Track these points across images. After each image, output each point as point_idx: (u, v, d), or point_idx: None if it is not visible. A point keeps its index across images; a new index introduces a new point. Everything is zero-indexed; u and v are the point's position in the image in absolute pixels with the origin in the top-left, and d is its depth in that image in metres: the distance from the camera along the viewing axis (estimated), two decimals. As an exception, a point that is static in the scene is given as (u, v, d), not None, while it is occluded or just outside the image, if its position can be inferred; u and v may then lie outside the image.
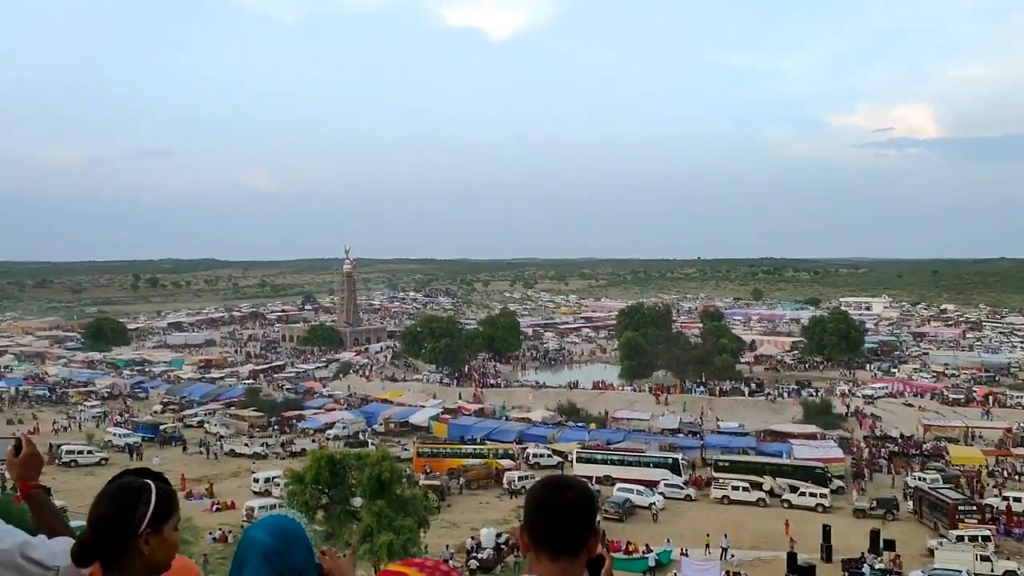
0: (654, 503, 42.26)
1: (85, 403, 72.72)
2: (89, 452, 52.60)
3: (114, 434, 58.74)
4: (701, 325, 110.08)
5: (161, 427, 61.86)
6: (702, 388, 78.19)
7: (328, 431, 60.84)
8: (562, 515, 2.14)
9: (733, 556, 35.20)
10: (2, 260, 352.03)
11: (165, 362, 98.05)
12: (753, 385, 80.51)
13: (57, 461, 48.77)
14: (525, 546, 2.18)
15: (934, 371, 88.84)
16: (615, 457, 50.67)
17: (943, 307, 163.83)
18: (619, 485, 44.75)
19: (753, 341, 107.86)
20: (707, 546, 36.16)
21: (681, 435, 60.24)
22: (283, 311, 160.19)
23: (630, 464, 48.99)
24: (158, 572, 2.21)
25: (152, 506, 2.16)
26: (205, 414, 68.13)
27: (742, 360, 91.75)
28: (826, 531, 36.53)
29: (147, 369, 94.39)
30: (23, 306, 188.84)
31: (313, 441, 56.84)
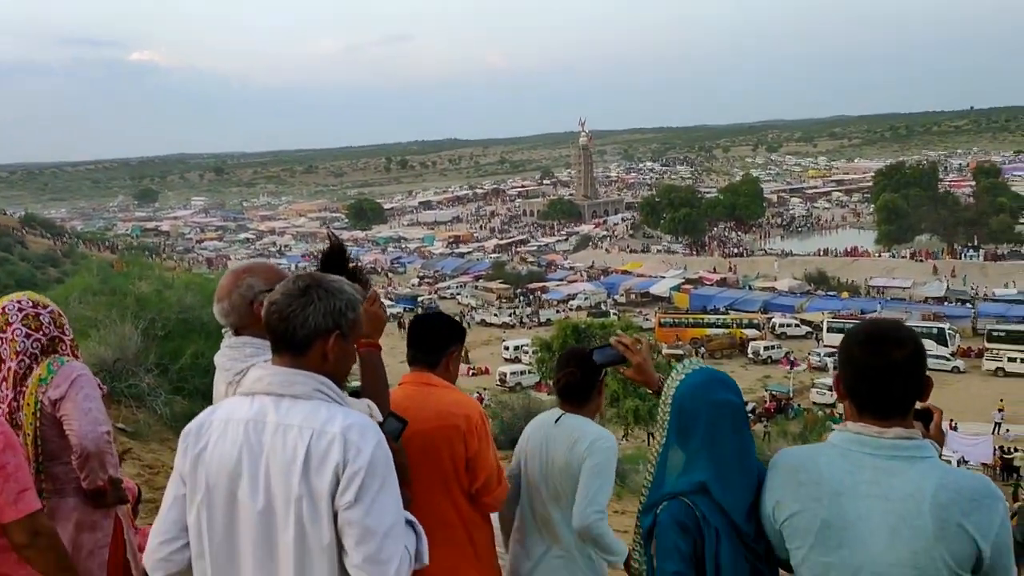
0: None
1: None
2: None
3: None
4: (974, 183, 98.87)
5: (419, 299, 66.84)
6: (974, 253, 70.93)
7: (571, 302, 62.57)
8: (887, 379, 1.88)
9: (1008, 431, 32.45)
10: (275, 150, 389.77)
11: (418, 239, 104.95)
12: (1037, 248, 71.75)
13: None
14: (841, 396, 1.97)
15: None
16: (870, 327, 47.70)
17: None
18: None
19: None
20: (1000, 411, 33.81)
21: (948, 304, 55.48)
22: (523, 187, 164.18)
23: (888, 334, 45.91)
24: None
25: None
26: (457, 287, 72.58)
27: (1023, 221, 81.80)
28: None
29: (403, 245, 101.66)
30: (294, 191, 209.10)
31: (557, 312, 58.79)
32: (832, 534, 1.91)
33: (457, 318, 3.24)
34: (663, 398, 2.28)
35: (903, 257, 72.92)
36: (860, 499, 1.89)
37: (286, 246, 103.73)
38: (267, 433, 1.87)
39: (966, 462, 26.66)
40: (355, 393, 2.59)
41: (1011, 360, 41.65)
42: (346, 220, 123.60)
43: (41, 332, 2.82)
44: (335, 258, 2.44)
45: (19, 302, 2.86)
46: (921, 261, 69.91)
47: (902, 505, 1.84)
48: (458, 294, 69.60)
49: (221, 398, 2.41)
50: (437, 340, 2.93)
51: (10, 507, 2.27)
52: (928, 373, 1.98)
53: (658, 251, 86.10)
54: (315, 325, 1.92)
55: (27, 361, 2.79)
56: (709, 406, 2.14)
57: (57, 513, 2.58)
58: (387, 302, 63.94)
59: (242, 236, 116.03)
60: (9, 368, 2.79)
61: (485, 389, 40.07)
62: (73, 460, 2.70)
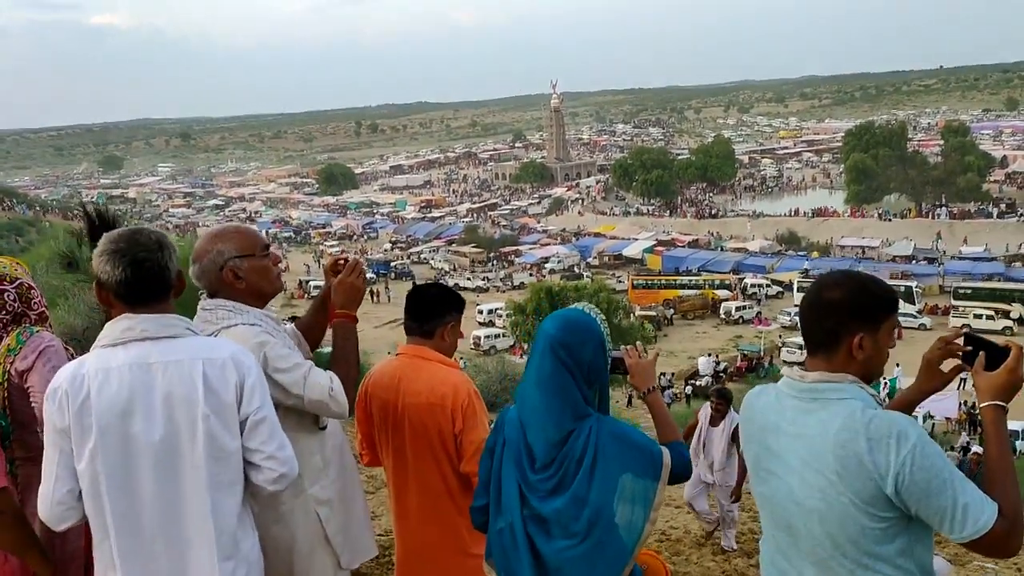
0: (883, 333, 40.32)
1: (325, 243, 79.37)
2: (332, 287, 57.81)
3: (352, 271, 63.88)
4: (942, 142, 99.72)
5: (392, 264, 66.58)
6: (941, 211, 71.80)
7: (544, 265, 62.63)
8: (806, 316, 2.02)
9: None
10: (242, 114, 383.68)
11: (390, 203, 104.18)
12: (1003, 206, 72.65)
13: (306, 296, 54.11)
14: None
15: None
16: (840, 286, 48.29)
17: None
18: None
19: (1004, 157, 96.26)
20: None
21: (916, 262, 56.30)
22: (494, 150, 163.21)
23: (857, 293, 46.52)
24: None
25: None
26: (429, 251, 72.31)
27: (990, 179, 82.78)
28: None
29: (375, 211, 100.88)
30: (263, 156, 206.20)
31: (530, 275, 58.84)
32: (762, 467, 2.07)
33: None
34: None
35: (871, 217, 73.68)
36: (781, 436, 2.01)
37: (256, 212, 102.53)
38: (155, 371, 2.04)
39: (932, 417, 27.27)
40: (326, 363, 2.60)
41: (976, 317, 42.39)
42: (317, 186, 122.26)
43: (4, 311, 2.75)
44: (102, 225, 2.45)
45: None
46: (890, 220, 70.69)
47: (811, 443, 1.93)
48: (431, 259, 69.36)
49: None
50: (432, 310, 2.94)
51: None
52: (990, 338, 2.15)
53: (630, 214, 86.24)
54: (173, 273, 2.17)
55: None
56: (538, 333, 2.29)
57: (32, 480, 2.54)
58: (360, 268, 64.01)
59: (211, 203, 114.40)
60: None
61: (460, 354, 40.14)
62: (38, 432, 2.66)
